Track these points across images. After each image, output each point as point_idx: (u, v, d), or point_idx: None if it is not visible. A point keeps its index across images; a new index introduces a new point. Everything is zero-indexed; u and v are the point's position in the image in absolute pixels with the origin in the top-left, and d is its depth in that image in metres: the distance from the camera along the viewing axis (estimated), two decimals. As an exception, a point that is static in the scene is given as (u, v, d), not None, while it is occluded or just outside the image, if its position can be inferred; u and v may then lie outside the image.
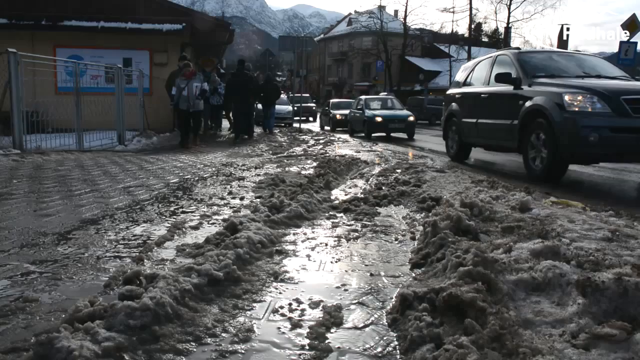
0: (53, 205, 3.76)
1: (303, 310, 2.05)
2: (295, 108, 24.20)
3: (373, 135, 16.38)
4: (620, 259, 2.12)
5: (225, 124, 16.43)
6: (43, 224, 3.18)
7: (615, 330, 1.58)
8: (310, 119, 30.91)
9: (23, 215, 3.40)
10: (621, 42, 16.83)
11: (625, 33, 16.69)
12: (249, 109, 13.25)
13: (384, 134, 16.47)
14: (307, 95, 37.74)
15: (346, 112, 20.38)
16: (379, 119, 16.03)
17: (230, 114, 14.87)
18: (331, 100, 26.13)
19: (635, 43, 16.92)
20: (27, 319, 1.84)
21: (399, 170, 6.24)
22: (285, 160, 7.81)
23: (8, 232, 2.97)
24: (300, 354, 1.70)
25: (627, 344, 1.54)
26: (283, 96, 29.68)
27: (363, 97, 19.47)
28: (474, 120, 7.75)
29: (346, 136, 16.65)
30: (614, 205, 3.95)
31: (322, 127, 23.70)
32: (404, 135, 16.37)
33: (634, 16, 17.16)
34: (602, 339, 1.57)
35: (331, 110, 22.30)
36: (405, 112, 17.49)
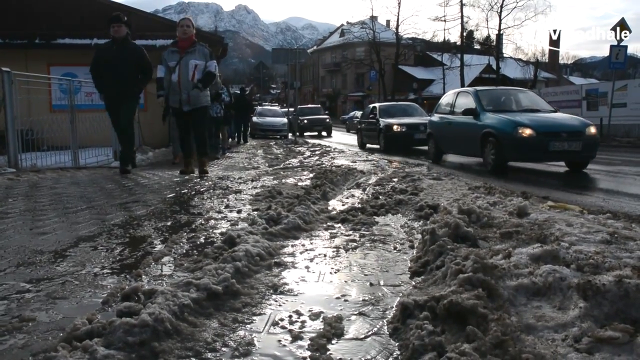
0: (49, 223, 3.74)
1: (303, 322, 2.03)
2: (305, 121, 22.58)
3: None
4: (620, 261, 2.12)
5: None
6: (39, 242, 3.15)
7: (618, 333, 1.58)
8: (324, 133, 25.74)
9: (19, 234, 3.37)
10: (611, 46, 17.03)
11: (625, 34, 16.85)
12: (248, 123, 20.46)
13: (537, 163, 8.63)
14: (318, 106, 35.19)
15: (407, 120, 13.71)
16: (526, 132, 7.59)
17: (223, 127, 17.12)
18: (377, 105, 16.42)
19: (626, 46, 17.12)
20: (24, 339, 1.81)
21: (395, 179, 6.24)
22: (282, 172, 7.80)
23: (4, 251, 2.94)
24: (301, 367, 1.68)
25: (630, 346, 1.54)
26: (277, 108, 29.31)
27: (469, 89, 10.14)
28: None
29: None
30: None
31: (362, 145, 15.58)
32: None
33: (622, 20, 17.39)
34: (605, 343, 1.56)
35: (380, 119, 14.31)
36: (575, 119, 8.66)
